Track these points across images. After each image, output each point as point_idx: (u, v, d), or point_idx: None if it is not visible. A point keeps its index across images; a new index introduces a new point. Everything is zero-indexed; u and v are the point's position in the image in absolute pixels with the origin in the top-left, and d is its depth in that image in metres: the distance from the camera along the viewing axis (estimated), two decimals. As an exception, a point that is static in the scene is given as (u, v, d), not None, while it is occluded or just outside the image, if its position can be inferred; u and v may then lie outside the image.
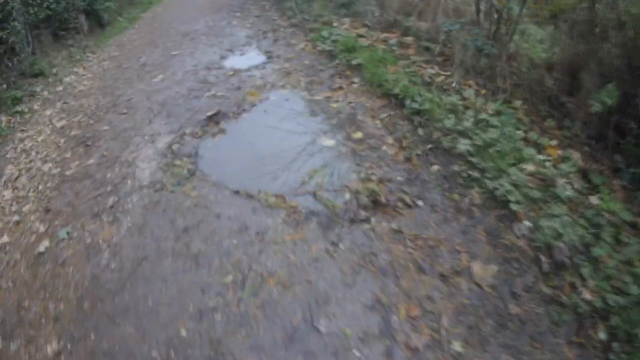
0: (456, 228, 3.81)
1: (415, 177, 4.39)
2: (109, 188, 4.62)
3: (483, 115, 4.63)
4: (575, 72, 4.72)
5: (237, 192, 4.24)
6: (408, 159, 4.60)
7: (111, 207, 4.36)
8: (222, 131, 5.38)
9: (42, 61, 7.89)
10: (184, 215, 4.05)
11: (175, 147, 5.07)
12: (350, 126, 5.23)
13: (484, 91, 5.18)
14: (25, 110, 6.73)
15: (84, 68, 8.15)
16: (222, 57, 7.50)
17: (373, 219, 3.91)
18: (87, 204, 4.49)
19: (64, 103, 6.87)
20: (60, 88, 7.44)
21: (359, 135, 5.04)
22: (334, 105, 5.70)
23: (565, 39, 4.86)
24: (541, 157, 4.33)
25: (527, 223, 3.71)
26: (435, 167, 4.44)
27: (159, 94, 6.44)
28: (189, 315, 3.21)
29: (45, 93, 7.29)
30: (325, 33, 7.27)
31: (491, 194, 3.99)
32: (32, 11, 7.94)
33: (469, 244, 3.65)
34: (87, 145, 5.50)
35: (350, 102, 5.70)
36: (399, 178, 4.39)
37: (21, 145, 5.86)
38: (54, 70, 7.97)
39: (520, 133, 4.56)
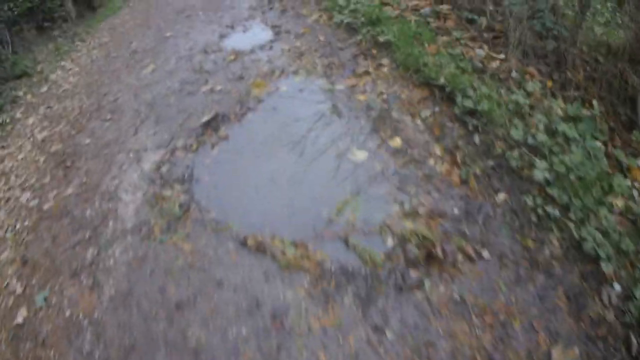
0: (532, 292, 2.90)
1: (476, 209, 3.36)
2: (87, 234, 3.69)
3: (559, 125, 3.51)
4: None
5: (243, 244, 3.25)
6: (465, 181, 3.54)
7: (91, 263, 3.46)
8: (223, 139, 4.35)
9: (24, 60, 6.87)
10: (176, 282, 3.11)
11: (164, 168, 4.08)
12: (384, 128, 4.15)
13: (549, 83, 4.01)
14: (7, 120, 5.81)
15: (71, 60, 7.09)
16: (222, 36, 6.34)
17: (427, 282, 2.93)
18: (65, 255, 3.61)
19: (47, 107, 5.89)
20: (44, 88, 6.43)
21: (397, 142, 3.97)
22: (361, 97, 4.60)
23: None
24: (627, 182, 3.32)
25: (617, 286, 2.86)
26: (501, 196, 3.40)
27: (147, 90, 5.38)
28: None
29: (29, 96, 6.30)
30: (341, 0, 6.02)
31: (575, 241, 3.05)
32: (6, 7, 6.92)
33: (548, 317, 2.77)
34: (67, 167, 4.54)
35: (381, 93, 4.59)
36: (455, 211, 3.37)
37: (1, 167, 4.98)
38: (39, 68, 6.95)
39: (599, 146, 3.47)
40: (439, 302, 2.82)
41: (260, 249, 3.17)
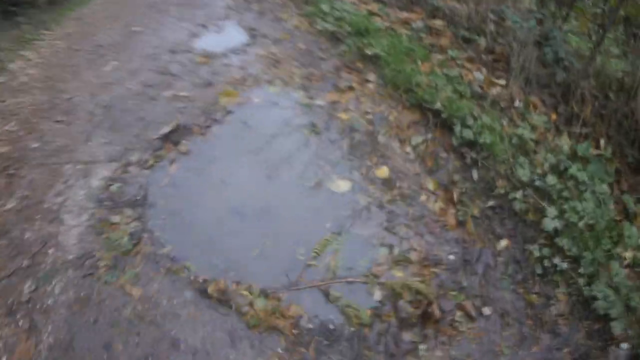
0: (536, 354, 2.57)
1: (474, 257, 2.97)
2: (25, 261, 3.10)
3: (570, 166, 3.16)
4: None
5: (204, 292, 2.73)
6: (461, 223, 3.13)
7: (28, 300, 2.87)
8: (183, 155, 3.81)
9: (-16, 46, 6.14)
10: (123, 337, 2.58)
11: (114, 186, 3.52)
12: (370, 155, 3.71)
13: (554, 115, 3.65)
14: (-40, 115, 5.08)
15: (33, 50, 6.39)
16: (193, 35, 5.78)
17: (422, 347, 2.49)
18: (1, 286, 3.01)
19: (1, 101, 5.20)
20: (1, 80, 5.72)
21: (383, 172, 3.54)
22: (344, 116, 4.14)
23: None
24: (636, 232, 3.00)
25: (624, 346, 2.56)
26: (502, 243, 3.01)
27: (106, 90, 4.79)
28: None
29: (-15, 87, 5.57)
30: (325, 7, 5.55)
31: (583, 298, 2.74)
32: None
33: None
34: (10, 175, 3.91)
35: (366, 113, 4.15)
36: (451, 258, 2.96)
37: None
38: (-1, 56, 6.23)
39: (607, 191, 3.14)
40: (436, 372, 2.39)
41: (224, 299, 2.66)
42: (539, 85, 3.87)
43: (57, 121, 4.45)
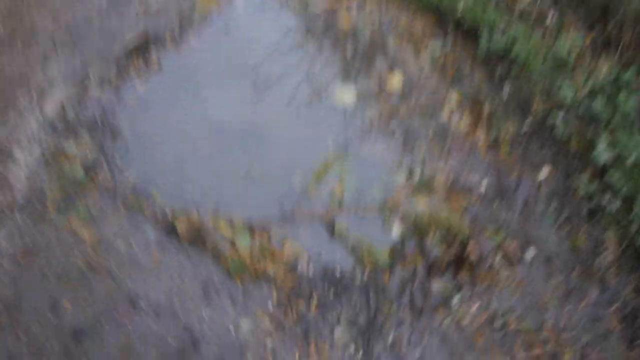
0: (584, 311, 2.15)
1: (512, 187, 2.41)
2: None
3: (620, 95, 2.61)
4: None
5: (171, 230, 2.11)
6: (494, 145, 2.57)
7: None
8: (154, 71, 3.14)
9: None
10: (73, 294, 2.04)
11: (70, 111, 2.87)
12: (378, 63, 3.07)
13: (588, 38, 3.07)
14: None
15: None
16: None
17: (455, 298, 1.93)
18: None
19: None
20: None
21: (396, 81, 2.94)
22: (344, 20, 3.47)
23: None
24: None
25: None
26: (544, 172, 2.45)
27: (69, 10, 4.04)
28: None
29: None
30: None
31: (634, 246, 2.29)
32: None
33: (600, 347, 2.04)
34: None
35: (371, 17, 3.47)
36: (483, 186, 2.39)
37: None
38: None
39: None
40: (473, 327, 1.94)
41: (197, 238, 2.04)
42: (571, 3, 3.28)
43: (16, 50, 3.77)
